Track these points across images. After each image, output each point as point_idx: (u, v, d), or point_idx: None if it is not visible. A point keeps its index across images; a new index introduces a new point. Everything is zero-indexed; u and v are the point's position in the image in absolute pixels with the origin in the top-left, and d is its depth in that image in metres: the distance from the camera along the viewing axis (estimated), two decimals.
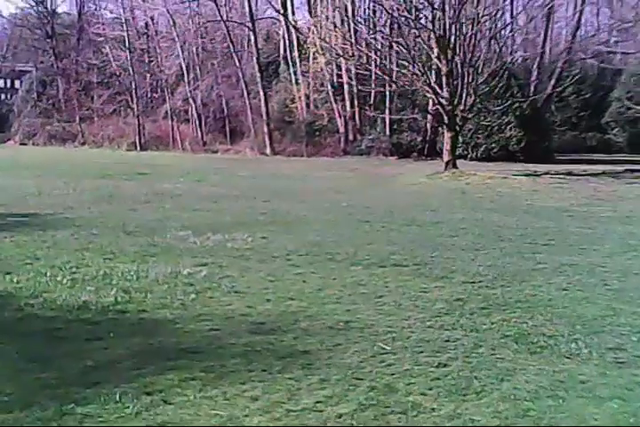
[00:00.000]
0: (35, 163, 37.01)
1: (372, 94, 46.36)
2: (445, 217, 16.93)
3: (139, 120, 52.08)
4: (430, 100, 41.10)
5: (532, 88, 44.03)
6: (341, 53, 38.26)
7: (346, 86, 47.18)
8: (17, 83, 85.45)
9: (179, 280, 9.49)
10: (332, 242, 12.92)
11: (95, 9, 63.74)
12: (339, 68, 46.44)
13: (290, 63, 52.26)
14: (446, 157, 29.44)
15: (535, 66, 44.80)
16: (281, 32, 59.20)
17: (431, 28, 28.66)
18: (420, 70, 28.89)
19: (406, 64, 30.03)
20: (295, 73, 51.19)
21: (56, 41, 61.19)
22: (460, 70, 28.64)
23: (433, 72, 31.22)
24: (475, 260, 11.50)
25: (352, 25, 42.50)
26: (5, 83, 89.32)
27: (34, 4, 63.77)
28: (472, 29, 28.60)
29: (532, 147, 40.71)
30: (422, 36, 29.38)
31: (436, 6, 28.72)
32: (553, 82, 44.44)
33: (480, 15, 28.58)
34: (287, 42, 53.40)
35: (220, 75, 53.29)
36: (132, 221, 15.19)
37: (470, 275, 10.27)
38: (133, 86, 52.61)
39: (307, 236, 13.60)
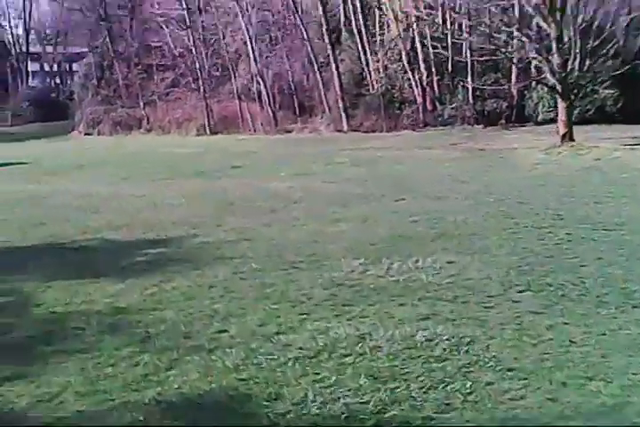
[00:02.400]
0: (114, 158, 35.80)
1: (450, 61, 43.96)
2: (621, 213, 14.86)
3: (206, 102, 50.26)
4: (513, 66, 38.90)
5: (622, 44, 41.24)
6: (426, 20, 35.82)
7: (420, 54, 44.77)
8: (73, 66, 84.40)
9: (422, 352, 7.69)
10: (536, 265, 11.07)
11: None
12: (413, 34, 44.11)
13: (355, 31, 49.90)
14: (562, 130, 27.19)
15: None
16: None
17: None
18: (529, 36, 26.61)
19: (509, 30, 27.67)
20: (362, 41, 48.88)
21: (110, 23, 59.37)
22: (572, 33, 26.24)
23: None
24: None
25: None
26: (59, 66, 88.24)
27: None
28: None
29: (630, 107, 38.03)
30: None
31: None
32: None
33: None
34: (350, 7, 50.81)
35: (285, 48, 51.11)
36: (286, 245, 13.44)
37: None
38: (198, 67, 50.70)
39: (497, 256, 11.76)
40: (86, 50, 68.16)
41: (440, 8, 41.94)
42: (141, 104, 54.91)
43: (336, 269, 11.37)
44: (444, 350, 7.74)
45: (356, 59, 50.69)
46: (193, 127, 51.18)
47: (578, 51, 26.41)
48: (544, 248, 12.19)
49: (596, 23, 26.61)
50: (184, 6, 49.73)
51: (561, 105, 27.29)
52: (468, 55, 40.07)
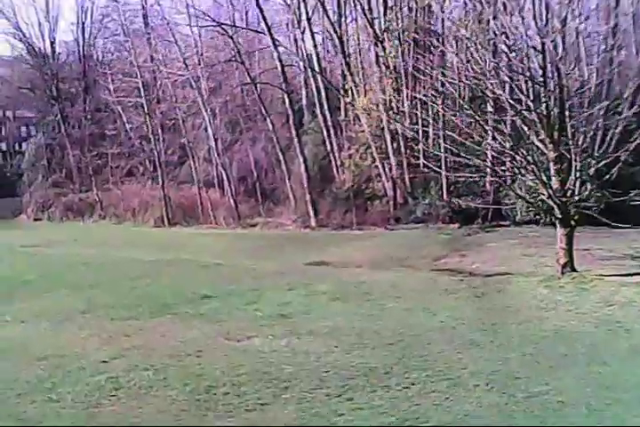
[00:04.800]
0: (68, 269, 32.73)
1: (421, 153, 42.21)
2: None
3: (164, 192, 47.63)
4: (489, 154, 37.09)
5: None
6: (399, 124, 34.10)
7: (391, 148, 42.99)
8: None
9: None
10: None
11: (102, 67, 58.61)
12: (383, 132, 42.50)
13: (320, 118, 48.21)
14: (562, 259, 25.10)
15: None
16: (302, 78, 55.48)
17: (532, 107, 24.51)
18: (527, 158, 24.73)
19: (506, 150, 25.87)
20: (327, 128, 47.16)
21: (62, 103, 56.60)
22: (573, 155, 24.40)
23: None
24: None
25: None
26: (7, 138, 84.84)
27: (33, 63, 59.36)
28: (584, 107, 24.50)
29: (612, 208, 36.28)
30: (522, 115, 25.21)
31: (536, 80, 24.50)
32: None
33: (591, 89, 24.44)
34: (314, 91, 49.15)
35: (247, 135, 49.02)
36: None
37: None
38: (156, 155, 48.17)
39: None
40: (38, 115, 65.30)
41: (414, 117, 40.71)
42: (95, 190, 52.05)
43: None
44: None
45: (319, 142, 48.97)
46: (150, 217, 48.62)
47: (579, 175, 24.50)
48: None
49: (599, 148, 24.78)
50: (142, 95, 47.36)
51: (560, 231, 25.22)
52: (442, 161, 38.19)
